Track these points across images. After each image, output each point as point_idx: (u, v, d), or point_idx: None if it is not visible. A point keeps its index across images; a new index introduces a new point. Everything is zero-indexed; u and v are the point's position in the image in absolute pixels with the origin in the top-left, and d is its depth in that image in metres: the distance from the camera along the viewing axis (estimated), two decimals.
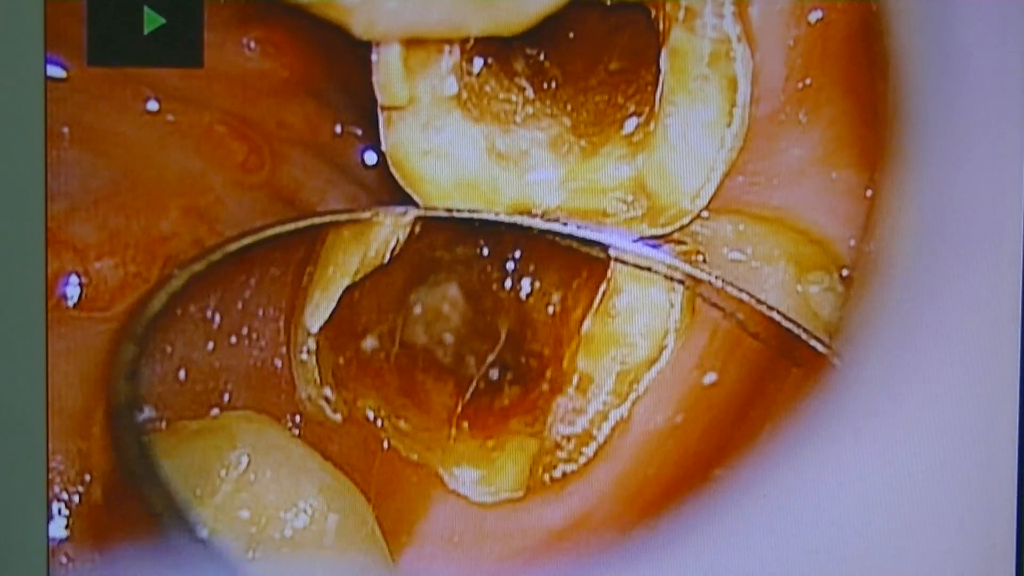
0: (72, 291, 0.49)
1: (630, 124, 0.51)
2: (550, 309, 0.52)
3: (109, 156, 0.49)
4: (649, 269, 0.51)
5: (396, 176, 0.51)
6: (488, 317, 0.53)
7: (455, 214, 0.50)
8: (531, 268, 0.52)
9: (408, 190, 0.51)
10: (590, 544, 0.52)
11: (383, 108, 0.50)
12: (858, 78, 0.50)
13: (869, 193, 0.51)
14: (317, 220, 0.51)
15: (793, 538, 0.50)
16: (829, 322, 0.51)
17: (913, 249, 0.49)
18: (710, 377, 0.52)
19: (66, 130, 0.49)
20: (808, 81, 0.51)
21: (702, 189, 0.50)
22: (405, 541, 0.52)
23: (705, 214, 0.51)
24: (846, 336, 0.50)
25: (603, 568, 0.51)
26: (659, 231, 0.51)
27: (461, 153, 0.51)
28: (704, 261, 0.51)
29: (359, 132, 0.52)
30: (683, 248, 0.51)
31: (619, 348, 0.51)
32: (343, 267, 0.50)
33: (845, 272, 0.51)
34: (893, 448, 0.49)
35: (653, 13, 0.50)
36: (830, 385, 0.50)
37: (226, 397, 0.51)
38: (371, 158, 0.52)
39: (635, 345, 0.51)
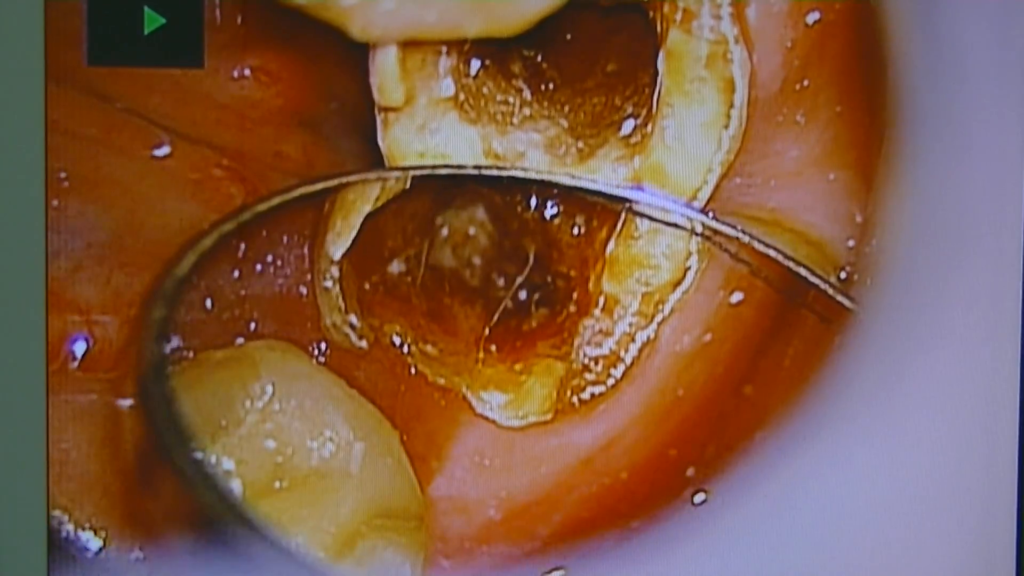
0: (77, 351, 0.49)
1: (627, 126, 0.51)
2: (575, 230, 0.52)
3: (107, 202, 0.49)
4: (674, 225, 0.51)
5: None
6: (514, 239, 0.52)
7: (483, 171, 0.50)
8: (555, 191, 0.52)
9: None
10: (621, 468, 0.52)
11: (380, 109, 0.50)
12: (856, 79, 0.50)
13: (867, 194, 0.50)
14: (346, 179, 0.50)
15: (792, 535, 0.49)
16: None
17: (911, 251, 0.49)
18: (737, 296, 0.51)
19: (64, 175, 0.49)
20: (806, 83, 0.51)
21: (699, 191, 0.50)
22: (435, 467, 0.52)
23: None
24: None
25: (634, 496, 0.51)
26: None
27: (458, 154, 0.51)
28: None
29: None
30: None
31: (643, 269, 0.51)
32: (364, 195, 0.50)
33: (843, 274, 0.51)
34: (892, 449, 0.49)
35: (650, 15, 0.50)
36: (839, 366, 0.50)
37: (252, 326, 0.51)
38: None
39: (659, 266, 0.51)
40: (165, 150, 0.50)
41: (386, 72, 0.49)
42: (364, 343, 0.52)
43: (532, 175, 0.50)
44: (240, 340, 0.51)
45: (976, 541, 0.50)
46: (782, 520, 0.49)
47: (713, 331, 0.52)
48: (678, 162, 0.50)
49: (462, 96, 0.50)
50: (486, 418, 0.52)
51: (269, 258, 0.51)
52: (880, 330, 0.49)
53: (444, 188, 0.52)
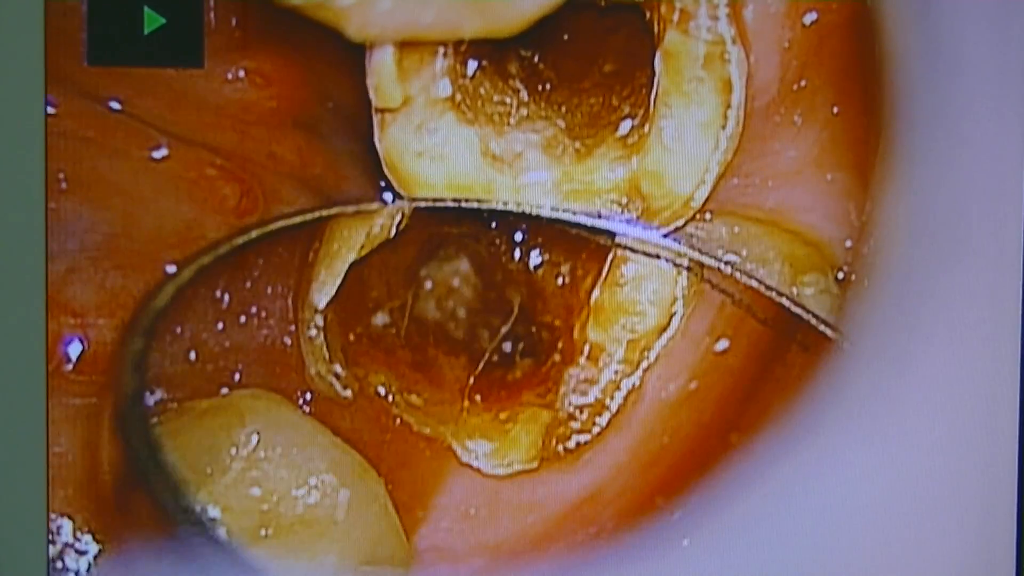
0: (72, 354, 0.49)
1: (624, 126, 0.51)
2: (559, 280, 0.52)
3: (104, 204, 0.49)
4: (657, 256, 0.51)
5: (390, 177, 0.51)
6: (499, 290, 0.52)
7: (463, 204, 0.50)
8: (539, 240, 0.52)
9: (402, 192, 0.51)
10: (607, 516, 0.51)
11: (376, 110, 0.50)
12: (854, 80, 0.50)
13: (865, 195, 0.50)
14: (324, 212, 0.50)
15: (792, 533, 0.49)
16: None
17: (909, 251, 0.49)
18: (722, 344, 0.51)
19: (63, 176, 0.49)
20: (803, 83, 0.51)
21: (697, 191, 0.50)
22: (420, 516, 0.52)
23: (700, 216, 0.51)
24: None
25: (621, 543, 0.51)
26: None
27: (455, 155, 0.51)
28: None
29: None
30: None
31: (628, 316, 0.51)
32: (348, 243, 0.50)
33: (840, 274, 0.51)
34: (892, 450, 0.49)
35: (648, 15, 0.50)
36: (837, 369, 0.49)
37: (236, 376, 0.51)
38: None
39: (644, 313, 0.51)
40: (163, 152, 0.50)
41: (383, 72, 0.49)
42: (349, 392, 0.52)
43: (544, 212, 0.50)
44: (225, 390, 0.51)
45: (976, 541, 0.49)
46: (776, 545, 0.49)
47: (698, 379, 0.51)
48: (676, 162, 0.50)
49: (459, 96, 0.51)
50: (471, 467, 0.52)
51: (253, 309, 0.51)
52: (879, 330, 0.49)
53: (428, 239, 0.52)
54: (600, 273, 0.52)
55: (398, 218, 0.50)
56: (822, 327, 0.50)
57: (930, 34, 0.48)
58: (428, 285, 0.53)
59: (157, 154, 0.50)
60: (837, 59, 0.50)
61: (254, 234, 0.50)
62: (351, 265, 0.50)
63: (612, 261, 0.51)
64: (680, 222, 0.51)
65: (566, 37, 0.51)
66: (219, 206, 0.50)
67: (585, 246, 0.52)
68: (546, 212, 0.50)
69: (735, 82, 0.50)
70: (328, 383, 0.51)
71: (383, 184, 0.51)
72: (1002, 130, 0.49)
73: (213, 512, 0.48)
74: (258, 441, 0.49)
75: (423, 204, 0.50)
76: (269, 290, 0.51)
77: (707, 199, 0.50)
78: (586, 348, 0.52)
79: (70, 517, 0.49)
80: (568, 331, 0.52)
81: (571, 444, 0.52)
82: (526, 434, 0.52)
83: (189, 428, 0.49)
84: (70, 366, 0.49)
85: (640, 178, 0.50)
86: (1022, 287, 0.49)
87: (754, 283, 0.50)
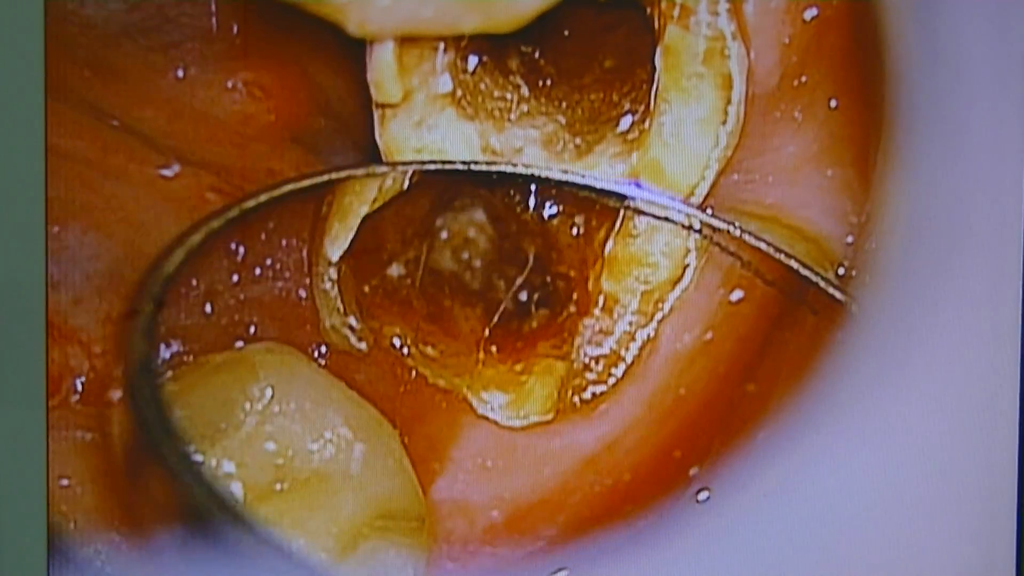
0: (76, 385, 0.49)
1: (625, 122, 0.51)
2: (574, 231, 0.52)
3: (106, 228, 0.50)
4: (667, 219, 0.50)
5: None
6: (514, 240, 0.52)
7: (472, 167, 0.50)
8: (553, 191, 0.52)
9: None
10: (623, 468, 0.51)
11: (377, 106, 0.50)
12: (854, 75, 0.50)
13: (865, 191, 0.50)
14: (335, 175, 0.50)
15: (794, 532, 0.49)
16: None
17: (910, 247, 0.49)
18: (737, 294, 0.51)
19: (63, 197, 0.49)
20: (803, 79, 0.50)
21: (697, 187, 0.50)
22: (436, 468, 0.52)
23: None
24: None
25: (637, 495, 0.51)
26: None
27: (455, 150, 0.51)
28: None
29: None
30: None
31: (642, 268, 0.51)
32: (360, 197, 0.50)
33: (840, 270, 0.50)
34: (892, 447, 0.49)
35: (648, 11, 0.50)
36: (837, 359, 0.49)
37: (252, 330, 0.51)
38: None
39: (657, 264, 0.51)
40: (176, 168, 0.50)
41: (383, 68, 0.49)
42: (364, 345, 0.52)
43: (521, 170, 0.50)
44: (240, 343, 0.51)
45: (976, 541, 0.49)
46: (785, 517, 0.49)
47: (714, 329, 0.51)
48: (676, 158, 0.50)
49: (459, 92, 0.50)
50: (487, 419, 0.52)
51: (268, 261, 0.51)
52: (879, 327, 0.48)
53: (442, 190, 0.52)
54: (614, 224, 0.51)
55: (409, 172, 0.50)
56: (828, 287, 0.49)
57: (930, 30, 0.48)
58: (443, 235, 0.53)
59: (167, 172, 0.50)
60: (837, 55, 0.50)
61: (263, 198, 0.49)
62: (365, 216, 0.50)
63: (625, 213, 0.51)
64: None
65: (567, 33, 0.51)
66: None
67: (598, 198, 0.52)
68: (556, 175, 0.50)
69: (735, 78, 0.50)
70: (343, 336, 0.52)
71: None
72: (1002, 126, 0.48)
73: (228, 467, 0.48)
74: (272, 395, 0.49)
75: (432, 168, 0.50)
76: (283, 243, 0.51)
77: (707, 195, 0.51)
78: (601, 299, 0.52)
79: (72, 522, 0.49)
80: (583, 282, 0.52)
81: (587, 395, 0.52)
82: (542, 385, 0.52)
83: (203, 383, 0.49)
84: (76, 397, 0.49)
85: (640, 174, 0.50)
86: (1022, 286, 0.49)
87: (769, 249, 0.50)
